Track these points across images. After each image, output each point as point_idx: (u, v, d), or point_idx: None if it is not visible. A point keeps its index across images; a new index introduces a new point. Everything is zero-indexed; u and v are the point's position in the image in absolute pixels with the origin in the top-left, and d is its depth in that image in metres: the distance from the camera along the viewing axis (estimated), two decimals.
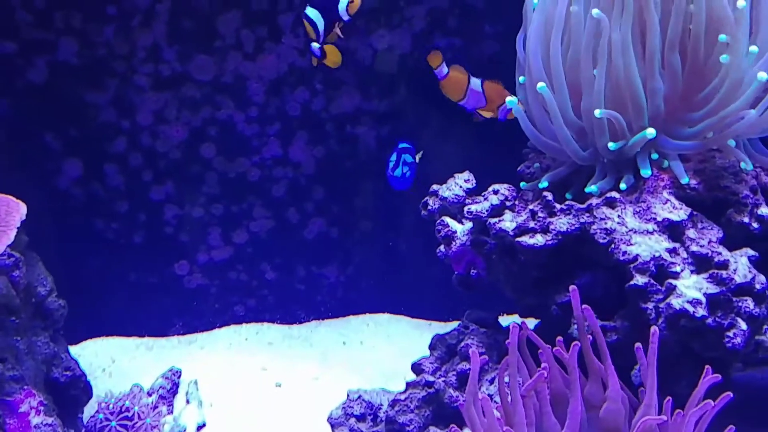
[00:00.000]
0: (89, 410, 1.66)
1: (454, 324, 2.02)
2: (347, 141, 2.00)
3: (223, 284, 2.05)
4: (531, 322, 1.39)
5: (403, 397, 1.31)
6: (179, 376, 1.78)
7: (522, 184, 1.38)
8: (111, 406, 1.56)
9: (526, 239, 1.25)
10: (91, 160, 1.94)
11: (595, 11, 1.26)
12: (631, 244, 1.18)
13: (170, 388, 1.74)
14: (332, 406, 1.77)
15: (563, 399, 1.21)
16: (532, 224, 1.25)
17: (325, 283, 2.08)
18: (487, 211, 1.32)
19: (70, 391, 1.60)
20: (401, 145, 1.66)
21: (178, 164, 1.97)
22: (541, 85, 1.28)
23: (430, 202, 1.48)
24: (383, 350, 1.97)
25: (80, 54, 1.87)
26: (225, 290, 2.05)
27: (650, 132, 1.24)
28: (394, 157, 1.65)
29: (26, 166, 1.91)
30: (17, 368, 1.45)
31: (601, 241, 1.20)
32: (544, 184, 1.30)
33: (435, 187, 1.48)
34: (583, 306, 1.16)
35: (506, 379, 1.27)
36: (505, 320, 1.52)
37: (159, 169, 1.96)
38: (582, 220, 1.23)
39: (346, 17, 1.53)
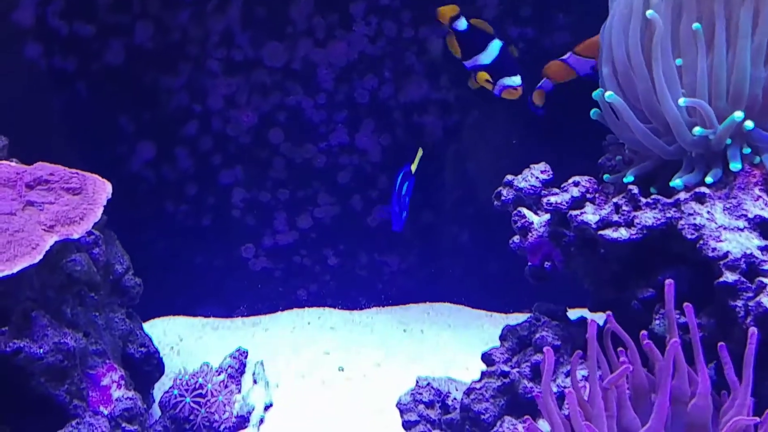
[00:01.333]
0: (159, 387, 1.71)
1: (516, 315, 2.04)
2: (414, 130, 2.00)
3: (286, 268, 2.08)
4: (599, 317, 1.38)
5: (478, 385, 1.32)
6: (246, 357, 1.82)
7: (605, 176, 1.36)
8: (185, 383, 1.61)
9: (609, 232, 1.23)
10: (163, 143, 1.98)
11: None
12: (721, 241, 1.16)
13: (238, 367, 1.78)
14: (395, 392, 1.79)
15: (644, 394, 1.20)
16: (615, 217, 1.24)
17: (386, 270, 2.09)
18: (567, 203, 1.31)
19: (144, 367, 1.65)
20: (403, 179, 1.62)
21: (247, 149, 2.00)
22: (609, 94, 1.27)
23: (504, 192, 1.47)
24: (444, 339, 1.97)
25: (155, 38, 1.91)
26: (288, 274, 2.08)
27: (738, 115, 1.21)
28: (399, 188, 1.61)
29: (100, 149, 1.97)
30: (99, 343, 1.50)
31: (689, 236, 1.18)
32: (629, 178, 1.28)
33: (509, 177, 1.48)
34: (685, 304, 1.15)
35: (582, 373, 1.27)
36: (572, 314, 1.51)
37: (228, 153, 2.00)
38: (669, 215, 1.21)
39: None
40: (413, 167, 1.60)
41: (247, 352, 1.83)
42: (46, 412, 1.37)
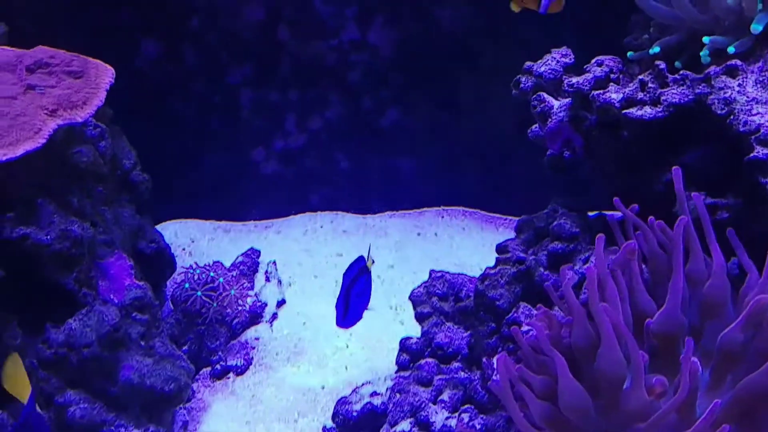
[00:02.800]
0: (171, 285, 1.71)
1: None
2: (428, 25, 1.91)
3: (298, 171, 2.04)
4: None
5: (493, 272, 1.28)
6: (258, 256, 1.81)
7: (629, 53, 1.28)
8: (196, 276, 1.60)
9: (633, 111, 1.16)
10: (169, 39, 1.91)
11: None
12: (753, 115, 1.08)
13: (250, 265, 1.77)
14: (408, 291, 1.77)
15: (663, 278, 1.17)
16: (640, 95, 1.17)
17: (400, 174, 2.04)
18: (589, 83, 1.24)
19: (155, 262, 1.64)
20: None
21: (255, 46, 1.92)
22: None
23: (523, 79, 1.40)
24: (458, 241, 1.94)
25: None
26: (300, 178, 2.04)
27: None
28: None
29: (105, 45, 1.91)
30: (108, 232, 1.48)
31: (719, 112, 1.11)
32: (655, 49, 1.20)
33: (529, 63, 1.40)
34: (694, 193, 1.10)
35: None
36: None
37: (236, 51, 1.93)
38: (697, 91, 1.13)
39: None
40: (369, 262, 1.37)
41: (259, 252, 1.81)
42: (56, 301, 1.37)
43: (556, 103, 1.32)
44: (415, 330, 1.49)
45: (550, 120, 1.31)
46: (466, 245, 1.92)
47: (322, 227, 2.01)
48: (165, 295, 1.69)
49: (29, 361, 1.32)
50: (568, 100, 1.30)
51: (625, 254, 1.12)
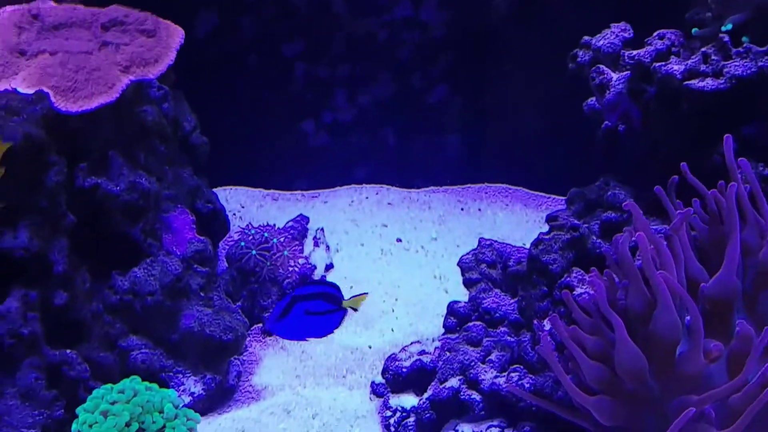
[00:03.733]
0: (224, 246, 1.76)
1: None
2: (480, 4, 1.94)
3: (345, 145, 2.08)
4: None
5: (547, 237, 1.32)
6: (307, 223, 1.86)
7: (693, 30, 1.30)
8: (251, 236, 1.65)
9: (695, 82, 1.19)
10: (226, 11, 1.96)
11: None
12: None
13: (300, 230, 1.82)
14: (452, 262, 1.81)
15: (716, 246, 1.19)
16: (703, 67, 1.20)
17: (445, 150, 2.08)
18: (650, 55, 1.27)
19: (210, 222, 1.69)
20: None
21: (309, 20, 1.97)
22: None
23: (580, 53, 1.43)
24: (501, 217, 1.98)
25: None
26: (347, 151, 2.09)
27: None
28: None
29: (165, 16, 1.96)
30: (171, 188, 1.54)
31: None
32: (728, 26, 1.22)
33: (587, 37, 1.43)
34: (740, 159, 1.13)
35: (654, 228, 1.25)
36: None
37: (291, 24, 1.97)
38: (760, 63, 1.16)
39: None
40: (349, 303, 1.24)
41: (308, 219, 1.86)
42: (122, 250, 1.43)
43: (614, 76, 1.35)
44: (459, 298, 1.53)
45: (608, 92, 1.34)
46: (509, 220, 1.95)
47: (367, 198, 2.05)
48: (219, 255, 1.75)
49: (96, 305, 1.38)
50: (626, 72, 1.33)
51: (680, 221, 1.14)
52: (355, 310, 1.31)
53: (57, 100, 1.34)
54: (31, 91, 1.34)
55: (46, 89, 1.34)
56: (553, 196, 2.02)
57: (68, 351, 1.29)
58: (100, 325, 1.38)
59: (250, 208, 2.01)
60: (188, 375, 1.41)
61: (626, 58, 1.30)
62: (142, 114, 1.57)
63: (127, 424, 1.19)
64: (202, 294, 1.45)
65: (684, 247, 1.16)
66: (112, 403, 1.20)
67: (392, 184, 2.10)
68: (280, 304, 1.28)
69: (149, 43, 1.43)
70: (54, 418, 1.24)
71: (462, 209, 2.02)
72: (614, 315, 1.09)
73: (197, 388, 1.40)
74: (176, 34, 1.46)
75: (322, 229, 1.85)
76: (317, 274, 1.73)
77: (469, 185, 2.08)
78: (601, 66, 1.36)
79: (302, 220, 1.85)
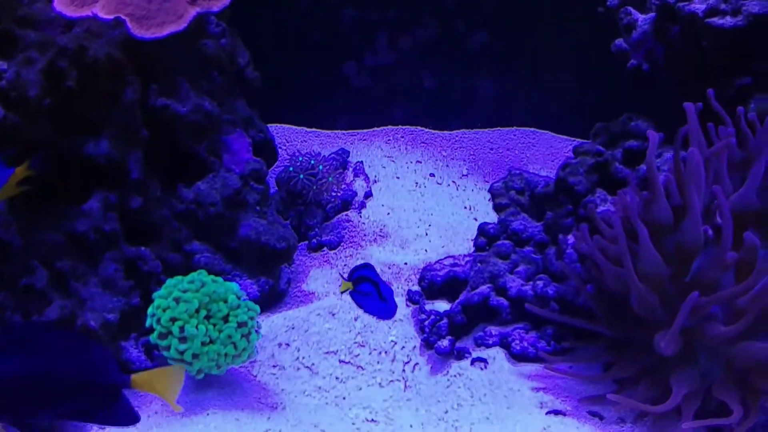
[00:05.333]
0: (272, 173, 1.91)
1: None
2: None
3: (385, 87, 2.21)
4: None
5: (574, 161, 1.45)
6: (348, 156, 2.01)
7: None
8: (299, 162, 1.80)
9: (715, 20, 1.30)
10: None
11: None
12: None
13: (341, 162, 1.96)
14: (482, 194, 1.95)
15: (736, 168, 1.30)
16: (723, 6, 1.30)
17: (477, 94, 2.20)
18: None
19: (261, 149, 1.84)
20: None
21: None
22: None
23: None
24: (528, 155, 2.11)
25: None
26: (386, 93, 2.22)
27: None
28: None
29: None
30: (232, 113, 1.69)
31: None
32: None
33: None
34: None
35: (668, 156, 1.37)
36: None
37: None
38: None
39: None
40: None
41: (348, 152, 2.01)
42: (188, 165, 1.59)
43: (641, 16, 1.46)
44: None
45: (634, 31, 1.46)
46: (536, 159, 2.08)
47: (402, 137, 2.19)
48: (268, 180, 1.90)
49: (165, 212, 1.55)
50: (652, 14, 1.44)
51: (722, 146, 1.24)
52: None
53: (132, 26, 1.48)
54: (109, 17, 1.49)
55: (122, 16, 1.48)
56: (578, 140, 2.13)
57: (142, 248, 1.46)
58: (168, 230, 1.54)
59: (294, 142, 2.16)
60: (245, 278, 1.57)
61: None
62: (203, 46, 1.71)
63: (197, 310, 1.35)
64: (257, 208, 1.60)
65: (720, 164, 1.26)
66: (184, 291, 1.36)
67: (426, 126, 2.23)
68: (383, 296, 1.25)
69: None
70: (131, 305, 1.42)
71: (491, 149, 2.15)
72: (640, 223, 1.22)
73: (253, 290, 1.56)
74: None
75: (361, 162, 1.99)
76: (357, 200, 1.88)
77: (498, 128, 2.21)
78: (629, 8, 1.48)
79: (343, 153, 1.99)
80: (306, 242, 1.78)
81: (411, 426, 1.37)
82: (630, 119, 1.52)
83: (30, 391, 0.90)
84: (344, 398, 1.44)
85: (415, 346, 1.52)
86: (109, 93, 1.45)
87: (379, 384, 1.47)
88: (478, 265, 1.48)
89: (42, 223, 1.39)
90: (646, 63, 1.50)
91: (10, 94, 1.29)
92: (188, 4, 1.55)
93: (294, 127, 2.23)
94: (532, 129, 2.19)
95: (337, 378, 1.48)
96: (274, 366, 1.50)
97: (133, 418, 0.98)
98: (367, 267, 1.24)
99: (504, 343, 1.44)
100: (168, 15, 1.53)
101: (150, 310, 1.36)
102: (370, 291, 1.22)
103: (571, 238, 1.38)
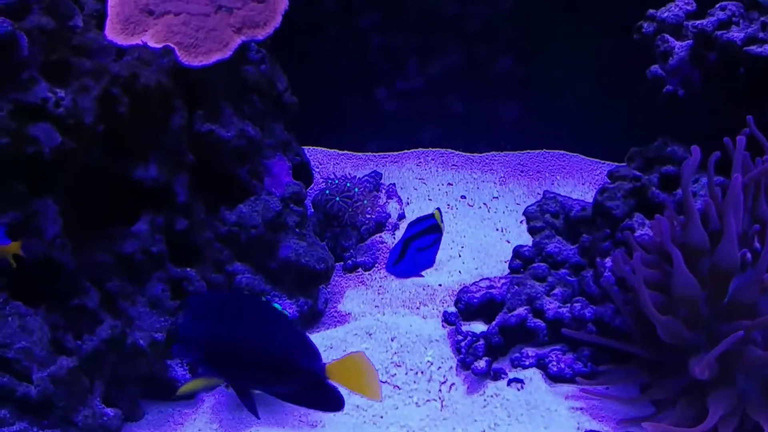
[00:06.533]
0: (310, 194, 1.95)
1: None
2: None
3: (414, 111, 2.26)
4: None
5: (611, 186, 1.48)
6: (380, 178, 2.05)
7: None
8: (335, 185, 1.85)
9: (754, 48, 1.33)
10: None
11: None
12: None
13: (374, 184, 2.01)
14: (513, 217, 1.98)
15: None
16: (761, 35, 1.34)
17: (506, 118, 2.24)
18: (713, 24, 1.41)
19: (299, 173, 1.89)
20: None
21: None
22: None
23: (645, 24, 1.58)
24: (559, 179, 2.13)
25: None
26: (415, 116, 2.26)
27: None
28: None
29: None
30: (271, 137, 1.74)
31: None
32: None
33: (651, 10, 1.57)
34: None
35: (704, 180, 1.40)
36: None
37: None
38: None
39: None
40: (440, 223, 1.37)
41: (381, 174, 2.05)
42: (230, 188, 1.63)
43: (678, 44, 1.49)
44: None
45: (671, 58, 1.49)
46: (567, 182, 2.11)
47: (433, 160, 2.23)
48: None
49: (208, 234, 1.59)
50: (688, 41, 1.47)
51: (763, 168, 1.26)
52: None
53: (181, 54, 1.54)
54: (158, 45, 1.54)
55: (171, 45, 1.54)
56: (608, 162, 2.17)
57: (188, 269, 1.50)
58: (211, 251, 1.58)
59: (327, 165, 2.20)
60: (284, 298, 1.60)
61: (690, 27, 1.44)
62: (245, 72, 1.77)
63: None
64: (297, 230, 1.64)
65: (757, 190, 1.28)
66: None
67: (456, 149, 2.27)
68: (395, 249, 1.40)
69: (259, 8, 1.63)
70: (177, 324, 1.45)
71: (522, 172, 2.18)
72: (673, 247, 1.25)
73: (292, 309, 1.59)
74: (282, 1, 1.65)
75: (394, 185, 2.03)
76: (390, 222, 1.92)
77: (528, 151, 2.24)
78: (666, 35, 1.51)
79: (376, 176, 2.03)
80: (341, 263, 1.81)
81: None
82: (665, 144, 1.55)
83: (244, 361, 0.90)
84: (381, 417, 1.47)
85: (451, 367, 1.55)
86: (158, 119, 1.50)
87: (416, 403, 1.49)
88: (515, 287, 1.51)
89: (93, 244, 1.43)
90: (681, 89, 1.53)
91: (68, 121, 1.34)
92: (234, 32, 1.61)
93: (326, 149, 2.28)
94: (562, 152, 2.22)
95: None
96: None
97: (339, 403, 0.97)
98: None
99: (541, 364, 1.46)
100: (214, 43, 1.58)
101: None
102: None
103: (608, 262, 1.41)
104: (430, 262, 1.46)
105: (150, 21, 1.59)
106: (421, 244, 1.46)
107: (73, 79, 1.40)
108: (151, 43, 1.55)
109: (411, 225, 1.52)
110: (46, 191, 1.34)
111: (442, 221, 1.47)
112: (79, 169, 1.41)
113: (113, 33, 1.54)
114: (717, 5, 1.44)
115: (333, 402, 0.96)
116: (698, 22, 1.43)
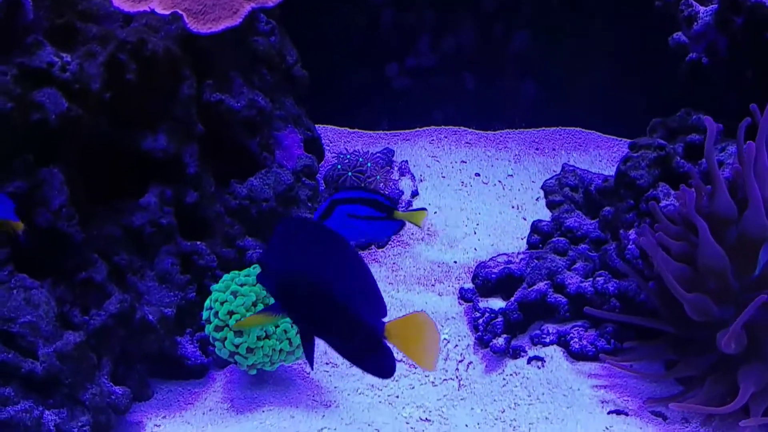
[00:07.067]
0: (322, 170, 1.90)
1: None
2: None
3: (427, 88, 2.20)
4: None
5: (635, 155, 1.43)
6: (393, 155, 2.00)
7: None
8: (347, 159, 1.80)
9: None
10: None
11: None
12: None
13: (386, 161, 1.96)
14: (529, 195, 1.93)
15: None
16: None
17: (521, 95, 2.19)
18: None
19: (310, 148, 1.84)
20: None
21: None
22: None
23: None
24: (575, 156, 2.08)
25: None
26: (428, 94, 2.21)
27: None
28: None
29: None
30: (282, 109, 1.69)
31: None
32: None
33: None
34: None
35: (732, 148, 1.35)
36: None
37: None
38: None
39: None
40: (406, 216, 1.19)
41: (393, 151, 2.00)
42: (241, 161, 1.59)
43: (702, 8, 1.44)
44: None
45: (696, 23, 1.44)
46: (583, 160, 2.06)
47: (446, 138, 2.18)
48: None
49: (219, 208, 1.54)
50: (714, 5, 1.42)
51: None
52: (418, 226, 1.27)
53: (189, 21, 1.50)
54: (166, 12, 1.50)
55: (180, 11, 1.49)
56: (624, 140, 2.11)
57: (198, 242, 1.46)
58: (221, 225, 1.54)
59: (338, 143, 2.16)
60: None
61: None
62: (254, 43, 1.72)
63: (254, 304, 1.35)
64: (309, 203, 1.60)
65: None
66: (241, 285, 1.36)
67: (470, 126, 2.22)
68: (320, 207, 1.28)
69: None
70: (187, 299, 1.41)
71: (537, 149, 2.13)
72: (698, 218, 1.20)
73: None
74: None
75: (407, 162, 1.98)
76: (404, 199, 1.87)
77: (543, 128, 2.19)
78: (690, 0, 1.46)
79: (388, 153, 1.98)
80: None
81: (466, 426, 1.35)
82: (688, 114, 1.50)
83: (311, 302, 0.82)
84: (397, 397, 1.42)
85: (468, 345, 1.50)
86: (167, 87, 1.45)
87: (432, 383, 1.45)
88: (535, 261, 1.46)
89: (100, 217, 1.39)
90: (706, 56, 1.48)
91: (74, 86, 1.30)
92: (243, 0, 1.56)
93: (336, 128, 2.23)
94: (578, 129, 2.17)
95: None
96: (326, 363, 1.49)
97: (390, 370, 0.85)
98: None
99: (562, 341, 1.42)
100: (223, 10, 1.54)
101: (207, 303, 1.36)
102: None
103: (632, 234, 1.36)
104: (364, 236, 1.29)
105: None
106: (352, 210, 1.29)
107: (79, 44, 1.36)
108: (159, 10, 1.50)
109: (346, 189, 1.34)
110: (52, 160, 1.30)
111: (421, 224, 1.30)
112: (86, 138, 1.36)
113: None
114: None
115: (384, 368, 0.84)
116: None
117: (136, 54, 1.39)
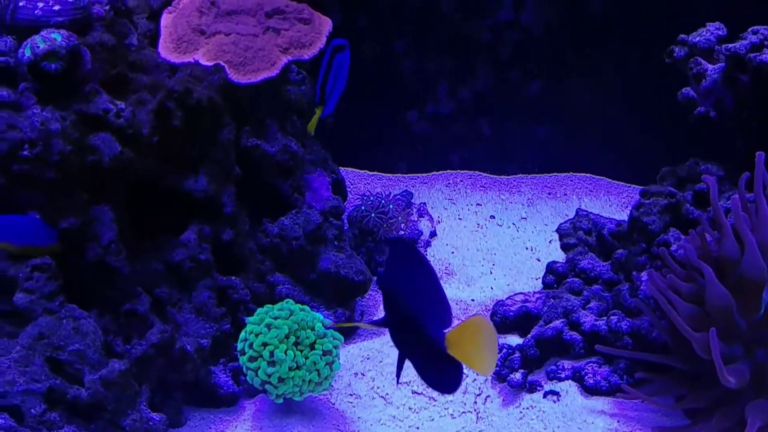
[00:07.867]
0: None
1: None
2: (576, 8, 2.15)
3: (444, 134, 2.31)
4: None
5: (647, 201, 1.52)
6: (411, 197, 2.10)
7: None
8: (370, 201, 1.90)
9: None
10: (346, 7, 2.22)
11: None
12: None
13: (406, 202, 2.05)
14: (542, 237, 2.02)
15: None
16: None
17: (534, 141, 2.30)
18: (745, 47, 1.47)
19: (335, 189, 1.94)
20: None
21: (419, 18, 2.21)
22: None
23: (677, 49, 1.64)
24: (586, 202, 2.18)
25: None
26: (445, 139, 2.32)
27: None
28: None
29: None
30: (312, 153, 1.79)
31: None
32: None
33: (683, 35, 1.64)
34: None
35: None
36: None
37: (402, 20, 2.22)
38: None
39: None
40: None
41: (412, 194, 2.10)
42: (273, 202, 1.69)
43: (710, 66, 1.55)
44: None
45: (704, 80, 1.54)
46: (594, 205, 2.15)
47: (461, 182, 2.28)
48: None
49: (252, 245, 1.63)
50: (720, 64, 1.53)
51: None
52: None
53: (230, 72, 1.61)
54: (210, 63, 1.62)
55: (222, 63, 1.61)
56: (634, 186, 2.21)
57: (233, 277, 1.54)
58: (254, 262, 1.63)
59: (358, 185, 2.26)
60: (322, 309, 1.64)
61: (722, 50, 1.50)
62: (287, 92, 1.84)
63: (287, 336, 1.42)
64: (336, 243, 1.69)
65: None
66: (275, 318, 1.44)
67: (484, 171, 2.32)
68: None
69: (305, 30, 1.70)
70: (222, 331, 1.49)
71: (549, 193, 2.22)
72: (701, 263, 1.29)
73: (330, 320, 1.63)
74: (327, 23, 1.72)
75: (425, 204, 2.08)
76: (422, 239, 1.96)
77: (555, 173, 2.29)
78: (698, 58, 1.57)
79: (407, 195, 2.08)
80: (376, 277, 1.85)
81: None
82: (697, 164, 1.59)
83: (399, 315, 0.80)
84: (418, 428, 1.49)
85: (486, 379, 1.57)
86: (208, 133, 1.56)
87: (451, 415, 1.52)
88: (552, 300, 1.54)
89: (144, 251, 1.48)
90: (713, 111, 1.58)
91: (127, 131, 1.40)
92: (281, 52, 1.68)
93: (357, 170, 2.34)
94: (589, 175, 2.27)
95: (410, 408, 1.53)
96: (350, 395, 1.56)
97: (455, 383, 0.82)
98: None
99: (577, 376, 1.49)
100: (262, 62, 1.66)
101: (242, 335, 1.44)
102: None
103: (644, 276, 1.44)
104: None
105: (201, 40, 1.67)
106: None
107: (130, 92, 1.47)
108: (203, 61, 1.62)
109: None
110: (103, 199, 1.40)
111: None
112: (134, 179, 1.47)
113: (167, 51, 1.61)
114: (749, 29, 1.50)
115: (450, 381, 0.81)
116: (731, 45, 1.48)
117: (182, 102, 1.50)
